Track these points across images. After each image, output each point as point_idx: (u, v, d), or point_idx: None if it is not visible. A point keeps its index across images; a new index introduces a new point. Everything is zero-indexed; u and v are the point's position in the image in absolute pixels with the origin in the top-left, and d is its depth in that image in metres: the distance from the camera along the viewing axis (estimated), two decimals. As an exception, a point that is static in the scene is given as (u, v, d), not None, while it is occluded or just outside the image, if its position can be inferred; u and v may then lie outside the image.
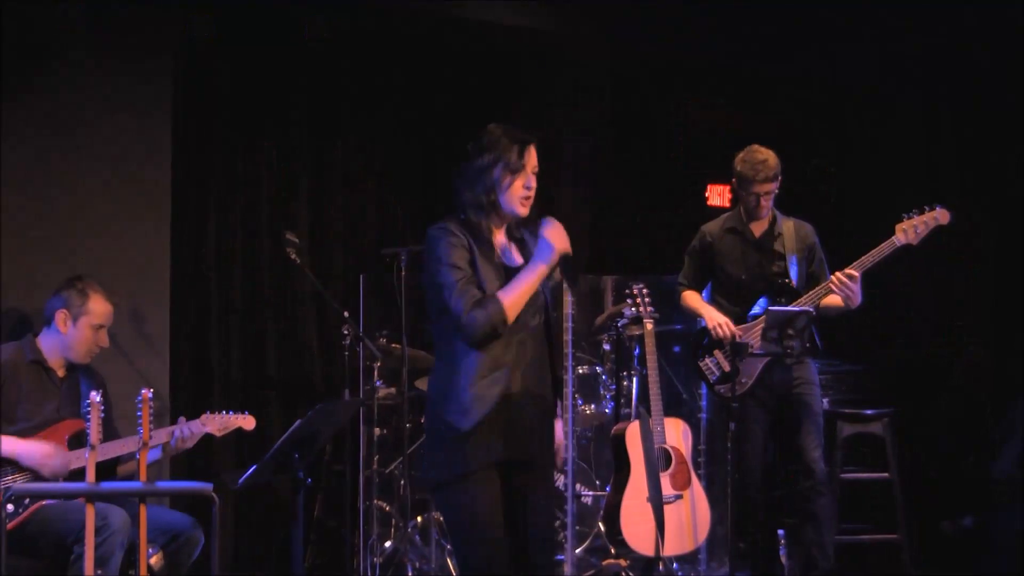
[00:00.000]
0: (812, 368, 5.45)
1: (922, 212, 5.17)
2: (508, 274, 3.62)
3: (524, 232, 3.78)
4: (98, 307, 4.77)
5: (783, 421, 5.38)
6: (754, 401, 5.37)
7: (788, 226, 5.46)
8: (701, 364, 5.49)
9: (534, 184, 3.65)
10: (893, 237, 5.15)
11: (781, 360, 5.20)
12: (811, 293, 5.26)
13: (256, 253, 6.38)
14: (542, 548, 3.71)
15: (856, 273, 5.11)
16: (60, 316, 4.73)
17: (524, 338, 3.62)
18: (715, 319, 5.38)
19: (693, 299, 5.58)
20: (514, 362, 3.59)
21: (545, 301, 3.73)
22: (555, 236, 3.57)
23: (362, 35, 6.64)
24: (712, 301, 5.55)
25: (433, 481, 3.64)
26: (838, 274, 5.14)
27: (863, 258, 5.17)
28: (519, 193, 3.62)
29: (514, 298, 3.53)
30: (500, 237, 3.72)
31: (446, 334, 3.61)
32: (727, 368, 5.36)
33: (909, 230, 5.12)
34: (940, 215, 5.16)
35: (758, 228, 5.47)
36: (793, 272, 5.35)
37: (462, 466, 3.54)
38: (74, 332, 4.73)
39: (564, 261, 3.60)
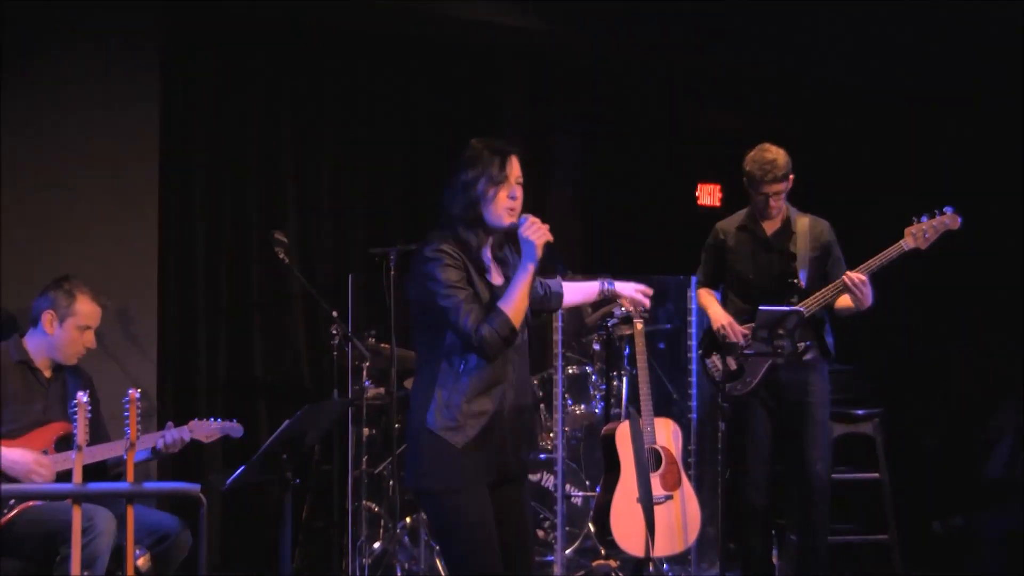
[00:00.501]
0: (823, 372, 5.39)
1: (932, 216, 5.12)
2: (494, 293, 3.67)
3: (507, 250, 3.81)
4: (85, 308, 4.76)
5: (786, 424, 5.34)
6: (758, 402, 5.35)
7: (802, 223, 5.39)
8: (708, 362, 5.49)
9: (519, 195, 3.69)
10: (901, 241, 5.08)
11: (792, 361, 5.19)
12: (821, 292, 5.23)
13: (244, 252, 6.38)
14: (528, 563, 3.80)
15: (864, 277, 5.10)
16: (46, 317, 4.72)
17: (514, 356, 3.71)
18: (720, 319, 5.38)
19: (705, 297, 5.59)
20: (508, 379, 3.69)
21: (527, 316, 3.77)
22: (533, 231, 3.61)
23: (353, 32, 6.64)
24: (725, 299, 5.55)
25: (422, 490, 3.69)
26: (851, 274, 5.11)
27: (870, 261, 5.12)
28: (504, 204, 3.66)
29: (514, 305, 3.60)
30: (487, 255, 3.77)
31: (436, 347, 3.66)
32: (732, 367, 5.37)
33: (918, 235, 5.06)
34: (951, 220, 5.08)
35: (770, 226, 5.42)
36: (804, 271, 5.34)
37: (454, 480, 3.61)
38: (60, 333, 4.72)
39: (549, 251, 3.64)
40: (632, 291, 4.07)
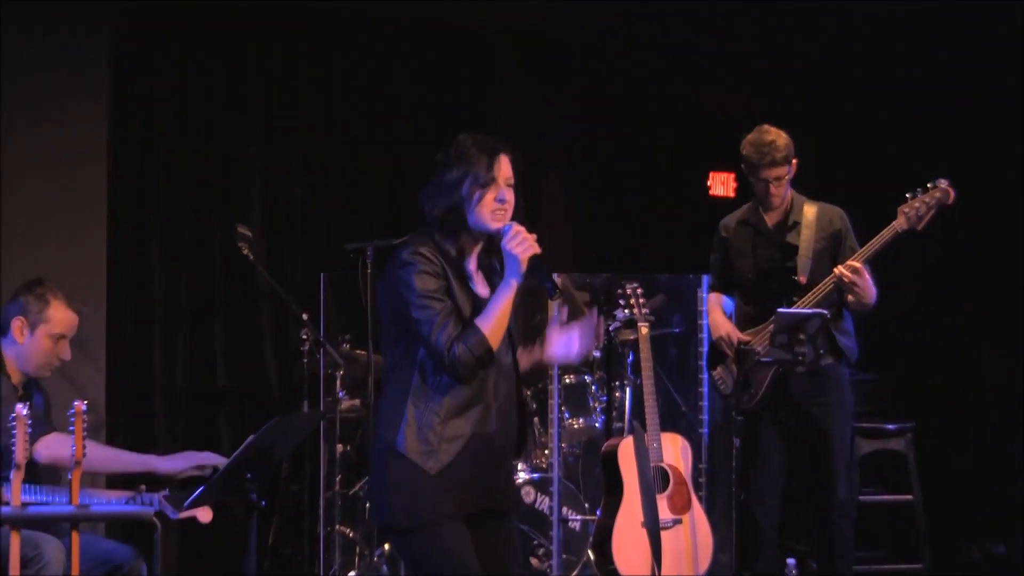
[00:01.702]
0: (840, 379, 5.34)
1: (926, 191, 5.09)
2: (478, 304, 3.64)
3: (494, 259, 3.77)
4: (58, 315, 4.70)
5: (799, 439, 5.31)
6: (768, 415, 5.32)
7: (809, 212, 5.33)
8: (713, 373, 5.47)
9: (509, 197, 3.64)
10: (894, 222, 5.05)
11: (797, 368, 5.15)
12: (816, 289, 5.18)
13: (205, 248, 6.37)
14: None
15: (859, 265, 5.06)
16: (16, 324, 4.67)
17: (498, 378, 3.67)
18: (718, 328, 5.37)
19: (710, 302, 5.57)
20: (490, 401, 3.65)
21: (511, 338, 3.74)
22: (517, 243, 3.58)
23: (323, 13, 6.61)
24: (735, 302, 5.52)
25: (392, 528, 3.64)
26: (842, 267, 5.06)
27: (863, 249, 5.10)
28: (490, 207, 3.63)
29: (493, 323, 3.56)
30: (472, 262, 3.74)
31: (409, 360, 3.62)
32: (740, 379, 5.34)
33: (911, 214, 5.02)
34: (943, 194, 5.02)
35: (772, 217, 5.38)
36: (807, 266, 5.28)
37: (427, 513, 3.56)
38: (31, 342, 4.66)
39: (535, 266, 3.61)
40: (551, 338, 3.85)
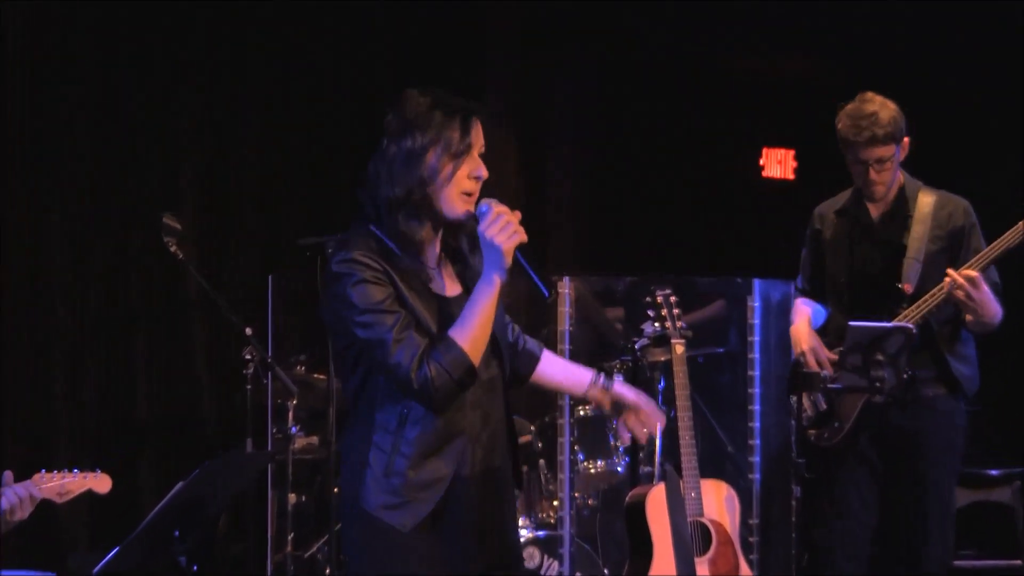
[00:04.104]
0: (951, 415, 5.31)
1: None
2: (444, 306, 3.60)
3: (463, 240, 3.73)
4: None
5: (891, 488, 5.31)
6: (854, 456, 5.31)
7: (925, 203, 5.34)
8: (793, 400, 5.44)
9: (484, 173, 3.61)
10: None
11: (899, 399, 5.12)
12: (923, 300, 5.18)
13: (120, 245, 6.39)
14: None
15: (975, 273, 5.05)
16: None
17: (479, 397, 3.64)
18: (801, 343, 5.36)
19: (796, 309, 5.58)
20: (471, 431, 3.61)
21: (498, 343, 3.71)
22: (497, 229, 3.51)
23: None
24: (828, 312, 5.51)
25: None
26: (955, 272, 5.06)
27: (983, 252, 5.13)
28: (462, 186, 3.58)
29: (473, 333, 3.52)
30: (432, 253, 3.69)
31: (367, 390, 3.60)
32: (822, 407, 5.35)
33: None
34: None
35: (878, 209, 5.40)
36: (916, 271, 5.26)
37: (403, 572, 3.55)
38: None
39: (521, 258, 3.56)
40: (636, 401, 3.91)
